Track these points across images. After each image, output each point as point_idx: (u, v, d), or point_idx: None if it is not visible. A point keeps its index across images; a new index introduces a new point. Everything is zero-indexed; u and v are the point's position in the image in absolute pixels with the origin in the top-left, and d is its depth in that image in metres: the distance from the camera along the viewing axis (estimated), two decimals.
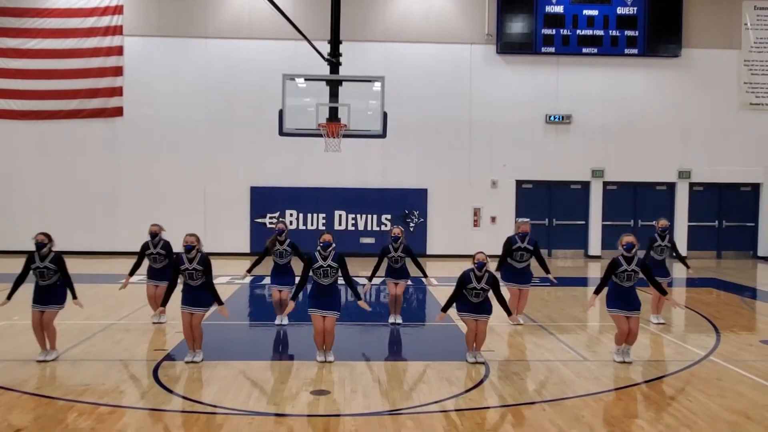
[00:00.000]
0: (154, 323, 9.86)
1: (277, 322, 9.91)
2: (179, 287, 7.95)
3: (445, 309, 8.01)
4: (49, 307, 7.87)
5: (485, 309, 7.93)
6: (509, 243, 10.03)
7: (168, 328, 9.60)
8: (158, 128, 18.50)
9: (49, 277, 7.83)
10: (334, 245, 7.93)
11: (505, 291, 10.27)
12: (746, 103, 19.36)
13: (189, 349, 7.96)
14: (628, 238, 8.03)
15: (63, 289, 7.99)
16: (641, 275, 8.02)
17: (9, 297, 7.92)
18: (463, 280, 7.84)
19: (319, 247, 7.91)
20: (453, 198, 18.93)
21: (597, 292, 8.20)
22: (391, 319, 10.10)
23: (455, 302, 7.98)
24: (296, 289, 8.19)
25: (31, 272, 7.88)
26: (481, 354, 8.04)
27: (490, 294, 7.93)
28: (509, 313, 8.28)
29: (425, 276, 10.15)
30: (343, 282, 8.02)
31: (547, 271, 10.13)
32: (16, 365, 7.66)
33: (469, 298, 7.85)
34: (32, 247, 7.88)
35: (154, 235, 9.90)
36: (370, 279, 9.88)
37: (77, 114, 18.44)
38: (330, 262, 7.84)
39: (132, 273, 9.90)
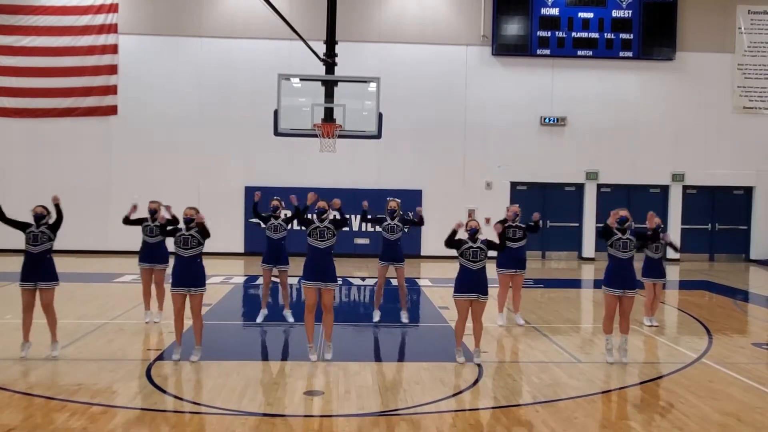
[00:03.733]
0: (146, 323, 9.83)
1: (259, 320, 9.91)
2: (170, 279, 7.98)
3: (448, 242, 7.90)
4: (44, 284, 7.78)
5: (482, 287, 7.82)
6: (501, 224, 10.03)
7: (162, 328, 9.57)
8: (152, 127, 18.44)
9: (42, 242, 7.79)
10: (329, 211, 7.97)
11: (496, 294, 10.35)
12: (739, 106, 19.45)
13: (177, 344, 7.92)
14: (622, 212, 8.05)
15: (54, 267, 7.92)
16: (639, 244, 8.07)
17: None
18: (460, 242, 7.83)
19: (314, 214, 7.96)
20: (447, 199, 18.91)
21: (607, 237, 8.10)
22: (383, 317, 10.09)
23: (455, 284, 7.95)
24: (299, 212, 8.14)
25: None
26: (479, 352, 8.01)
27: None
28: (501, 248, 8.16)
29: (420, 219, 9.87)
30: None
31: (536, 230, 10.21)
32: (7, 364, 7.62)
33: (468, 263, 7.78)
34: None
35: (153, 212, 9.84)
36: (365, 217, 9.96)
37: (71, 112, 18.37)
38: (326, 224, 7.89)
39: (129, 218, 9.90)
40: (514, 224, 10.01)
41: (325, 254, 7.89)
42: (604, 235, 8.14)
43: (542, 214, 19.36)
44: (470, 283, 7.82)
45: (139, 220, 9.93)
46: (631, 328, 8.63)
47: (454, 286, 7.98)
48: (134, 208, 9.91)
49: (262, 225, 9.98)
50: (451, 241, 7.89)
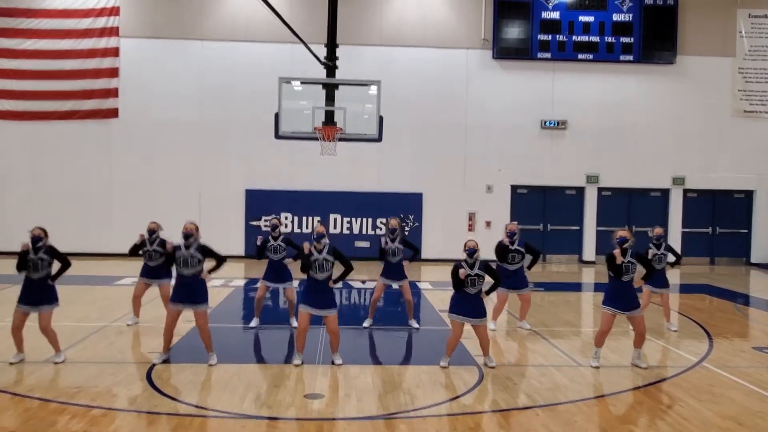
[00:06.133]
0: (128, 324, 9.83)
1: (252, 324, 9.96)
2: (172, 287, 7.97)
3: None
4: (41, 308, 7.74)
5: (479, 312, 7.85)
6: (503, 250, 9.88)
7: (162, 331, 9.55)
8: (153, 130, 18.47)
9: (42, 269, 7.73)
10: (326, 237, 7.95)
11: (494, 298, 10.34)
12: (740, 110, 19.46)
13: (163, 350, 7.96)
14: (621, 233, 8.06)
15: (54, 288, 7.86)
16: (639, 266, 8.02)
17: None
18: (457, 270, 7.81)
19: (313, 240, 7.94)
20: (448, 202, 18.95)
21: (615, 273, 7.99)
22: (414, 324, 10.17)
23: (451, 302, 7.98)
24: (299, 257, 8.13)
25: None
26: (491, 358, 8.04)
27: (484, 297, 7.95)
28: (488, 291, 8.00)
29: (417, 252, 10.01)
30: (339, 276, 7.94)
31: (530, 267, 10.05)
32: (7, 367, 7.63)
33: (466, 289, 7.80)
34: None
35: (152, 232, 9.82)
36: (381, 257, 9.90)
37: (72, 115, 18.39)
38: (325, 255, 7.85)
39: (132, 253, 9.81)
40: (513, 248, 9.79)
41: (323, 284, 7.89)
42: (609, 261, 8.13)
43: (543, 217, 19.58)
44: (464, 307, 7.84)
45: (137, 246, 9.74)
46: (629, 332, 8.62)
47: (449, 305, 8.00)
48: (141, 236, 9.78)
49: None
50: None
